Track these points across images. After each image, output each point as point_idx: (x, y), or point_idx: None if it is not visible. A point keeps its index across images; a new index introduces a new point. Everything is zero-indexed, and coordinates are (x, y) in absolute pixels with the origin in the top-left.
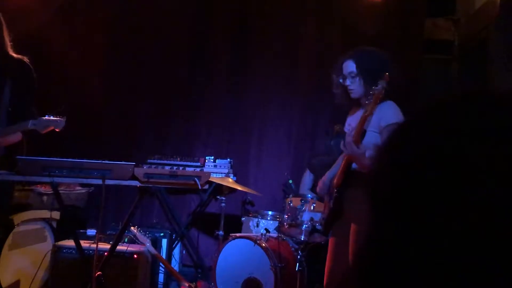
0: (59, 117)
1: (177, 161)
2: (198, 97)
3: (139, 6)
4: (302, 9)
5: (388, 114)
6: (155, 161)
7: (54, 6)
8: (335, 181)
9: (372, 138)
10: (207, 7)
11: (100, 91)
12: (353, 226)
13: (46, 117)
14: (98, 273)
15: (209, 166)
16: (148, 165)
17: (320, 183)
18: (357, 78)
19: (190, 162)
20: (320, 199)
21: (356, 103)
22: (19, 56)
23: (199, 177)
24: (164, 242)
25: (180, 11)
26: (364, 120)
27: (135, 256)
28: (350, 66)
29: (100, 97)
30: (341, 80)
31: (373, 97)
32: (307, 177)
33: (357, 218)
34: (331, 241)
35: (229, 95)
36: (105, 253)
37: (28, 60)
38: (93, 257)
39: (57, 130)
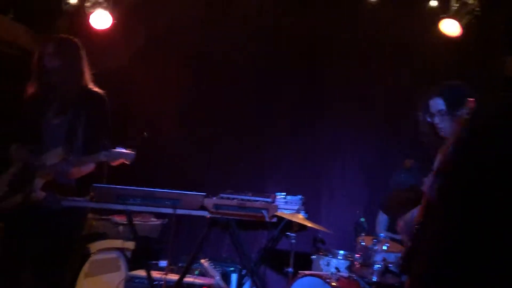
0: (130, 150)
1: (248, 196)
2: (269, 133)
3: (215, 41)
4: (376, 45)
5: None
6: (227, 195)
7: (137, 44)
8: (416, 217)
9: None
10: (276, 42)
11: (176, 127)
12: None
13: (118, 149)
14: None
15: (280, 202)
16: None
17: (401, 223)
18: (446, 116)
19: (261, 197)
20: (396, 240)
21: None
22: (97, 90)
23: (267, 210)
24: (234, 277)
25: (251, 45)
26: (446, 150)
27: None
28: (439, 104)
29: (175, 133)
30: (428, 119)
31: (455, 123)
32: (381, 217)
33: None
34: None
35: (300, 131)
36: None
37: (104, 94)
38: None
39: (127, 162)
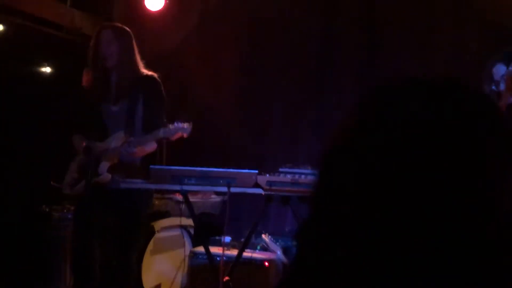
0: (186, 124)
1: (307, 170)
2: (328, 103)
3: (269, 16)
4: (437, 5)
5: None
6: (287, 169)
7: (192, 23)
8: None
9: None
10: (334, 10)
11: (232, 101)
12: None
13: (175, 125)
14: (226, 278)
15: None
16: (271, 174)
17: None
18: None
19: None
20: None
21: None
22: (150, 73)
23: None
24: None
25: (309, 16)
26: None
27: (266, 263)
28: (501, 69)
29: (231, 107)
30: (494, 88)
31: (507, 78)
32: None
33: None
34: None
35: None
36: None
37: (158, 77)
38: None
39: (185, 135)
